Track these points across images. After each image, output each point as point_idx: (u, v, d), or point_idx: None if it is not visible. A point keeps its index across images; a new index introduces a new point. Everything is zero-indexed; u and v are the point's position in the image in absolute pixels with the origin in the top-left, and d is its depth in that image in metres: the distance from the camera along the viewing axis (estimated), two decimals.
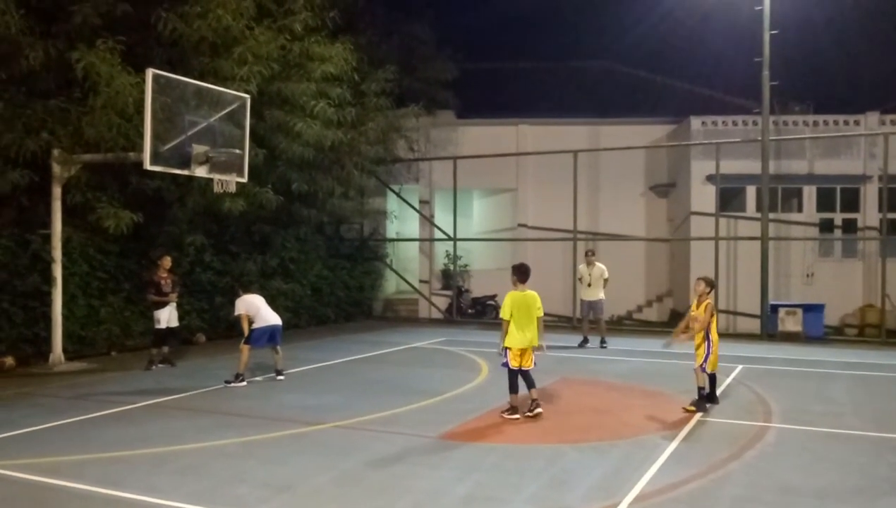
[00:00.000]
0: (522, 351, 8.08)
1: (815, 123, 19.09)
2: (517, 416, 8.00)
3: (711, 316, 8.35)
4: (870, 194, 18.70)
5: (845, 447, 6.62)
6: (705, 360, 8.35)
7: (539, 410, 8.11)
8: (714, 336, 8.43)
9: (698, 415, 8.13)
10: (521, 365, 8.10)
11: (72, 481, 5.76)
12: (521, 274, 8.20)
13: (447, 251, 20.79)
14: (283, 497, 5.50)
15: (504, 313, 8.11)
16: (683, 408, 8.35)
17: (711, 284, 8.59)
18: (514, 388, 8.17)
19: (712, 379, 8.68)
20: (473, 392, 9.75)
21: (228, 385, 9.91)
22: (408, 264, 22.27)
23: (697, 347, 8.45)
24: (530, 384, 8.17)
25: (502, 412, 8.14)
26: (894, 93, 21.23)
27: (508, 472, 6.13)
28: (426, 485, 5.78)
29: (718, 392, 8.92)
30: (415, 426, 7.76)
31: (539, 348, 8.23)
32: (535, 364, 8.20)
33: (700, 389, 8.42)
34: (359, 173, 17.07)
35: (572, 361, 12.40)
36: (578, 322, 13.43)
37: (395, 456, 6.61)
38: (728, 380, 10.37)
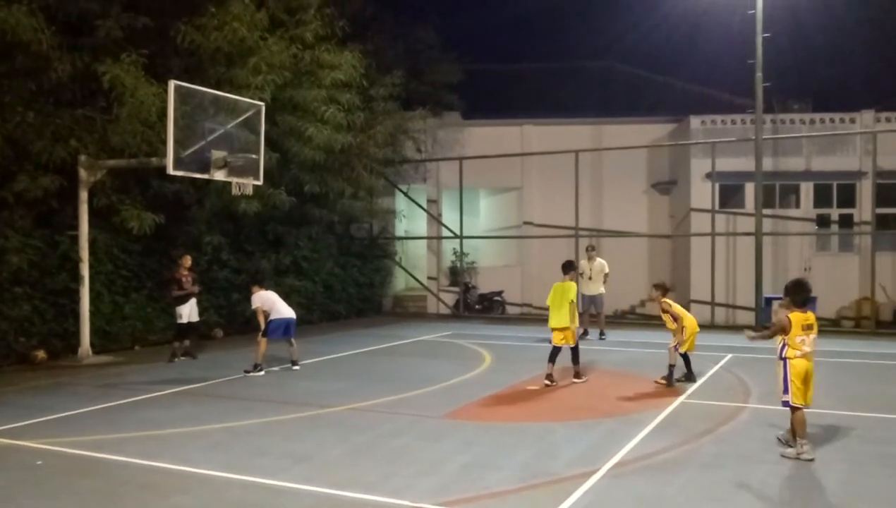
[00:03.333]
0: (560, 331, 9.56)
1: (812, 121, 19.52)
2: (548, 383, 9.57)
3: (665, 311, 9.68)
4: (865, 190, 19.12)
5: (811, 423, 7.16)
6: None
7: (576, 381, 9.77)
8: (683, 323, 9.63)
9: (681, 397, 8.79)
10: (564, 342, 9.61)
11: (115, 454, 6.49)
12: (563, 267, 9.90)
13: (454, 248, 21.40)
14: (301, 466, 6.19)
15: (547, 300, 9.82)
16: (655, 381, 9.65)
17: (664, 288, 9.95)
18: (551, 358, 9.69)
19: (686, 358, 9.82)
20: (476, 379, 10.43)
21: (248, 374, 10.62)
22: (416, 261, 22.93)
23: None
24: (573, 359, 9.82)
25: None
26: (889, 92, 21.68)
27: (503, 445, 6.81)
28: (430, 455, 6.47)
29: (705, 377, 9.68)
30: (421, 407, 8.45)
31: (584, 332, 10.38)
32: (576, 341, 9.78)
33: (671, 366, 9.61)
34: (368, 174, 17.68)
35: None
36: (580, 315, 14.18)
37: (402, 432, 7.30)
38: (715, 368, 11.01)
